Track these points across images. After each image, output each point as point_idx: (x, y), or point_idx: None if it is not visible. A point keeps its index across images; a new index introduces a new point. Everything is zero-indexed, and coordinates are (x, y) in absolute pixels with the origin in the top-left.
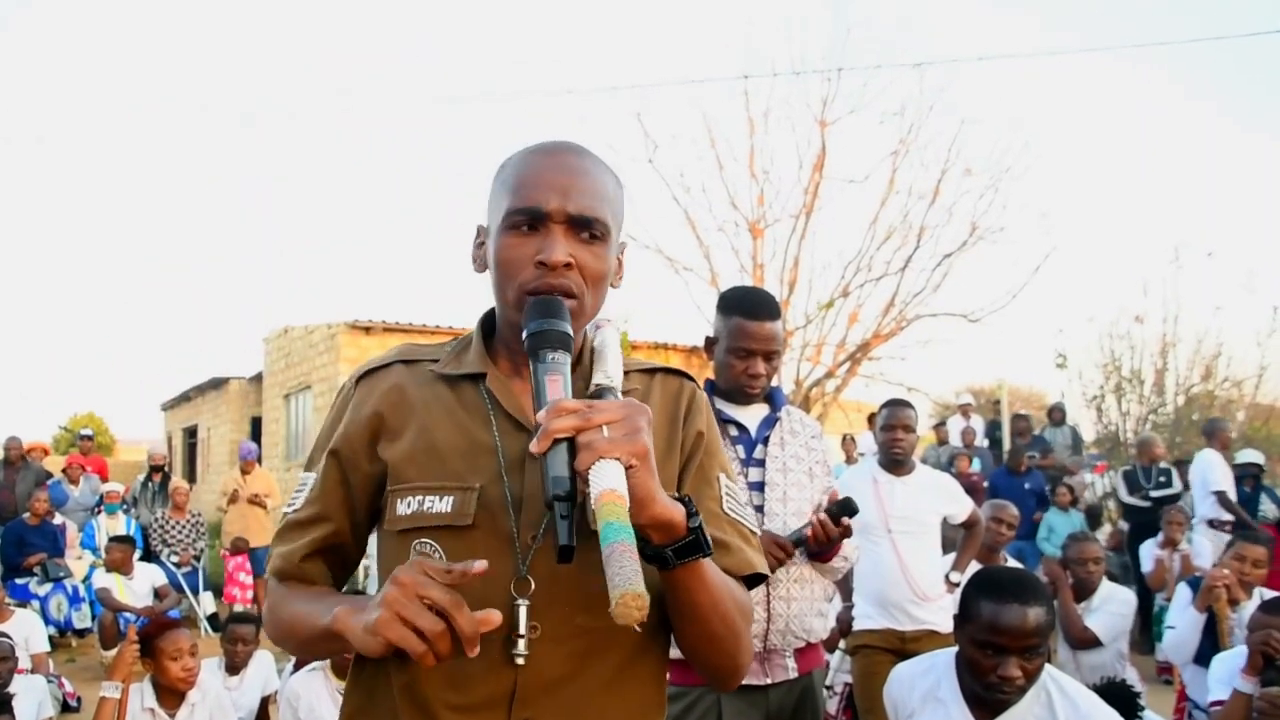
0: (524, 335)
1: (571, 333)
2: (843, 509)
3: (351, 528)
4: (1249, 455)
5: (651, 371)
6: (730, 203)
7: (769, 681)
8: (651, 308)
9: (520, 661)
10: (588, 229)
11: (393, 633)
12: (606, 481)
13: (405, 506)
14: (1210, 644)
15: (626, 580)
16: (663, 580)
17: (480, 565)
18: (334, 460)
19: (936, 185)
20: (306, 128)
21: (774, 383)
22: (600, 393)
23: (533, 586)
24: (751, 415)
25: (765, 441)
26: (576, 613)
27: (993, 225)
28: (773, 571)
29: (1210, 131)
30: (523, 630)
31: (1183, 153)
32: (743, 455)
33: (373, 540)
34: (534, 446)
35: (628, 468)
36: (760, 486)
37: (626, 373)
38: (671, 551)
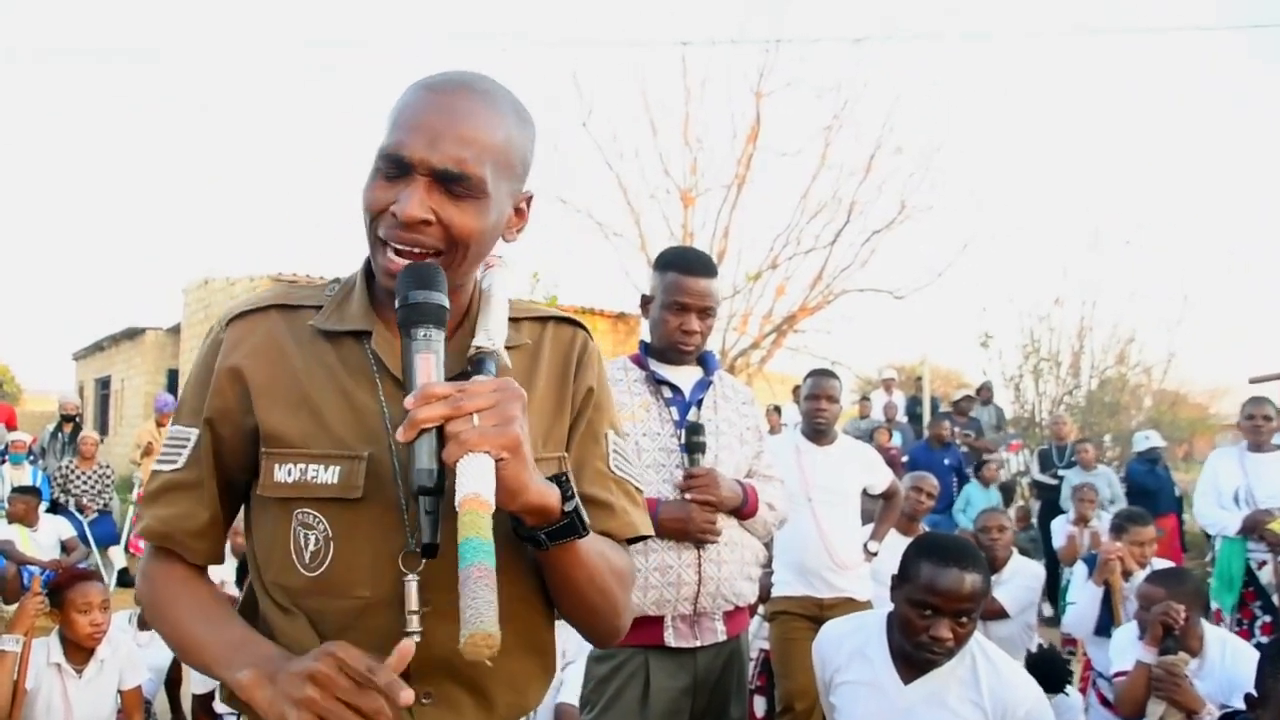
0: (396, 304)
1: (447, 304)
2: (691, 431)
3: (227, 487)
4: (1150, 439)
5: (544, 320)
6: (663, 170)
7: (698, 644)
8: (579, 272)
9: (415, 639)
10: (457, 183)
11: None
12: (471, 483)
13: (285, 473)
14: (1108, 616)
15: (478, 618)
16: (538, 557)
17: (407, 697)
18: (209, 421)
19: (869, 161)
20: (233, 73)
21: (706, 347)
22: (480, 360)
23: (422, 562)
24: (685, 377)
25: (699, 404)
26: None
27: (921, 204)
28: (707, 534)
29: (1135, 117)
30: (415, 606)
31: (1108, 137)
32: (675, 417)
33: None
34: (400, 435)
35: (498, 460)
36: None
37: (518, 320)
38: (545, 535)
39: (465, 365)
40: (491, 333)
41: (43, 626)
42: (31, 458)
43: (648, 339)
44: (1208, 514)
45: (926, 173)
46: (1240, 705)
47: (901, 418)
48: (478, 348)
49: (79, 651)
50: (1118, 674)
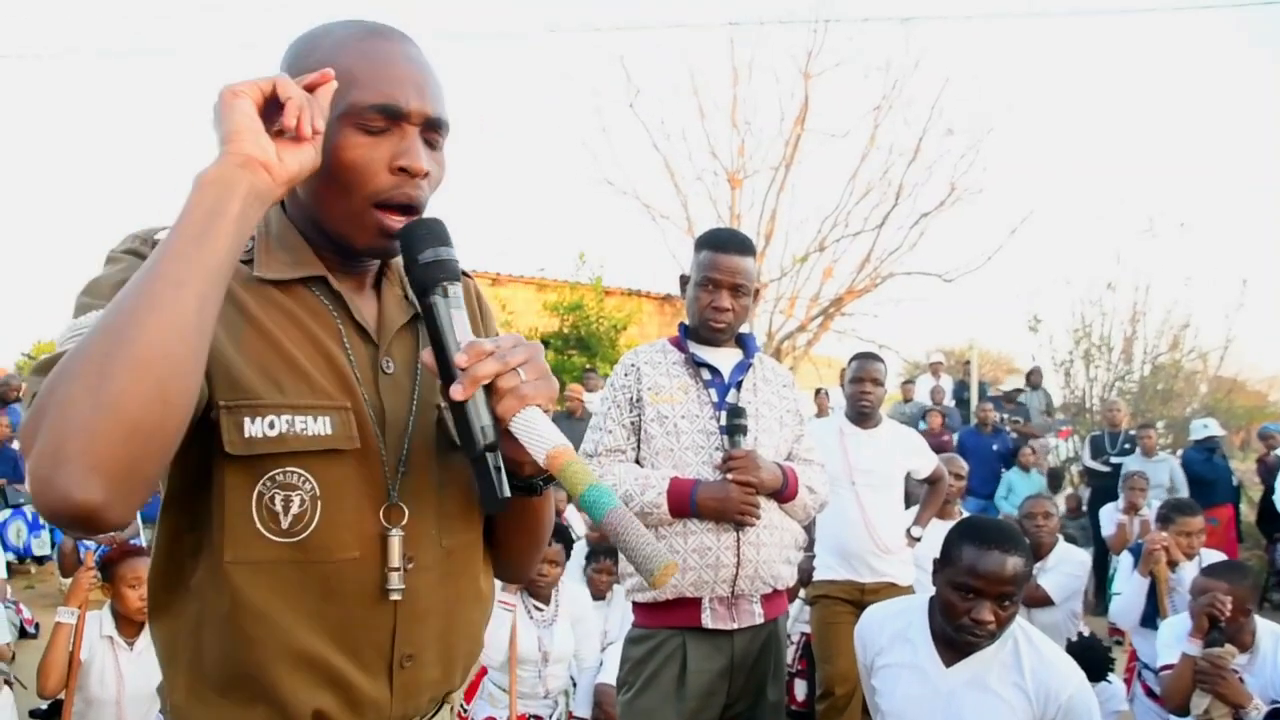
0: (412, 262)
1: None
2: (732, 413)
3: None
4: (1208, 428)
5: None
6: (710, 152)
7: (736, 626)
8: (626, 254)
9: (397, 598)
10: (438, 133)
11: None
12: (551, 435)
13: (262, 427)
14: (1154, 607)
15: (657, 552)
16: (514, 503)
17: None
18: None
19: (918, 143)
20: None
21: (745, 329)
22: (429, 316)
23: (406, 515)
24: (724, 359)
25: (738, 386)
26: (442, 535)
27: (971, 186)
28: (746, 515)
29: (1192, 97)
30: (397, 563)
31: (1164, 122)
32: (714, 399)
33: None
34: (458, 392)
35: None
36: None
37: None
38: (542, 481)
39: (407, 314)
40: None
41: (96, 600)
42: None
43: (687, 321)
44: None
45: (977, 155)
46: None
47: (949, 402)
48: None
49: (130, 624)
50: (1164, 667)
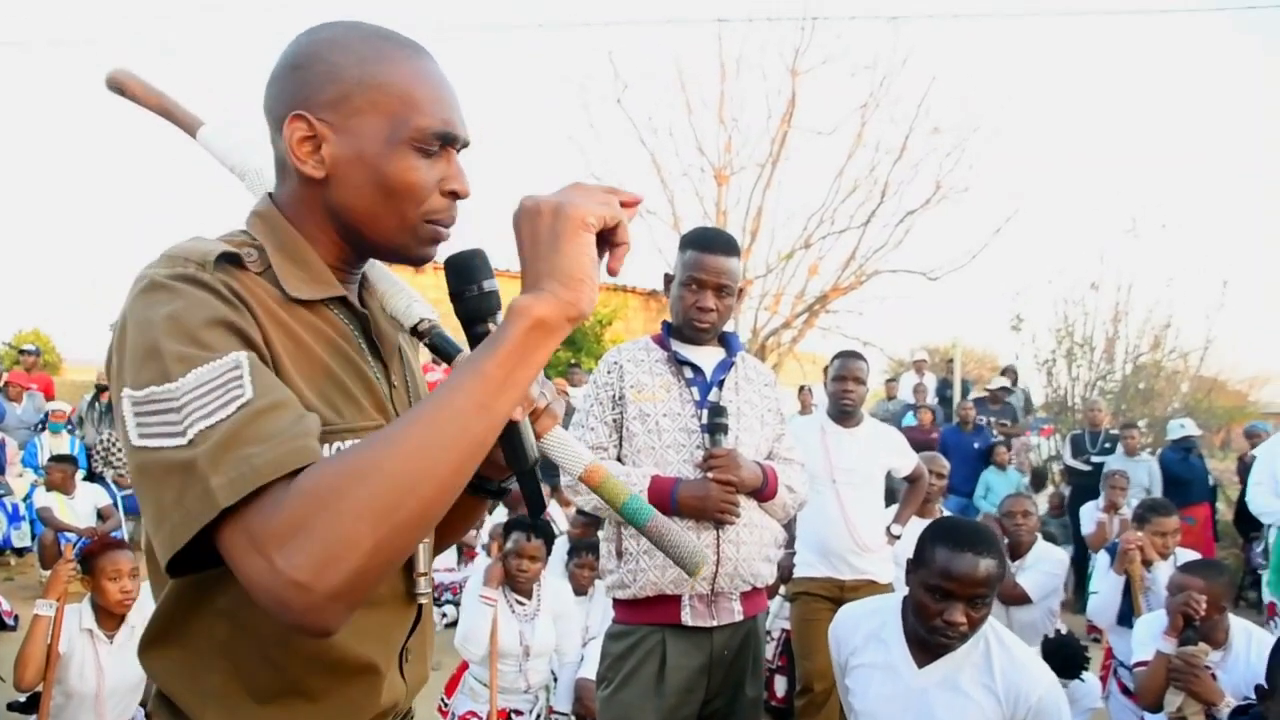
0: (464, 291)
1: None
2: (714, 412)
3: None
4: (1184, 428)
5: None
6: (697, 148)
7: (715, 623)
8: None
9: (424, 600)
10: (461, 153)
11: (593, 210)
12: (582, 453)
13: (330, 454)
14: (1129, 605)
15: (697, 550)
16: (465, 500)
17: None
18: (257, 355)
19: (904, 141)
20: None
21: (729, 328)
22: (433, 329)
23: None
24: (707, 357)
25: (720, 385)
26: (433, 545)
27: (957, 184)
28: (726, 514)
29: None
30: (424, 568)
31: (1148, 122)
32: (696, 397)
33: None
34: (517, 414)
35: None
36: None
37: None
38: (503, 483)
39: (397, 330)
40: (426, 307)
41: (76, 593)
42: (70, 427)
43: (670, 319)
44: (1262, 502)
45: (963, 154)
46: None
47: (932, 399)
48: (429, 321)
49: (110, 618)
50: (1138, 664)
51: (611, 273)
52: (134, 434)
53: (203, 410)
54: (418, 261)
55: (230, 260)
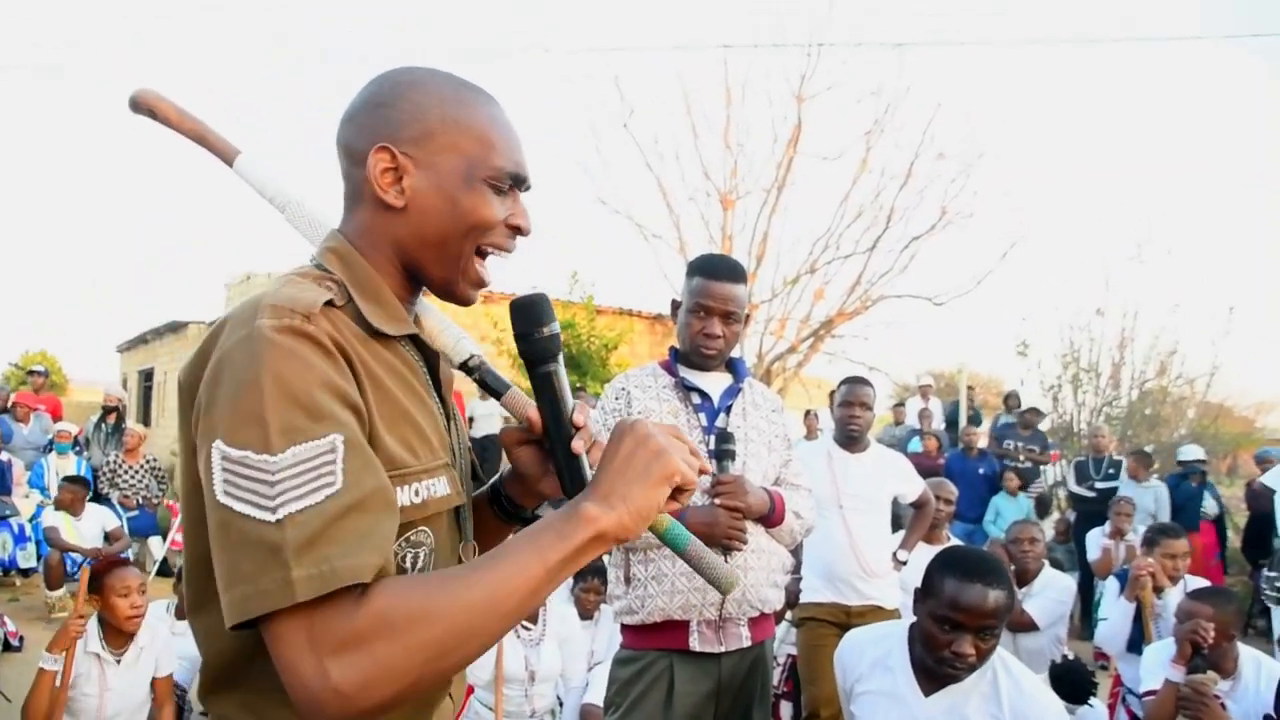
0: (530, 332)
1: None
2: (721, 439)
3: None
4: (1192, 452)
5: None
6: (703, 173)
7: (723, 649)
8: (618, 273)
9: None
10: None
11: (683, 471)
12: None
13: (409, 495)
14: (1139, 632)
15: (732, 573)
16: (498, 526)
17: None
18: (358, 415)
19: (909, 167)
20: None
21: (736, 354)
22: (482, 365)
23: (475, 551)
24: (714, 383)
25: (728, 411)
26: None
27: (962, 210)
28: (734, 540)
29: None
30: None
31: (1154, 149)
32: (704, 423)
33: None
34: (579, 446)
35: None
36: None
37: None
38: (535, 511)
39: (452, 364)
40: (473, 343)
41: (80, 631)
42: (76, 448)
43: (678, 345)
44: None
45: (968, 179)
46: None
47: (939, 425)
48: (478, 358)
49: (118, 636)
50: (1147, 693)
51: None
52: (220, 490)
53: (296, 492)
54: (462, 301)
55: (323, 308)
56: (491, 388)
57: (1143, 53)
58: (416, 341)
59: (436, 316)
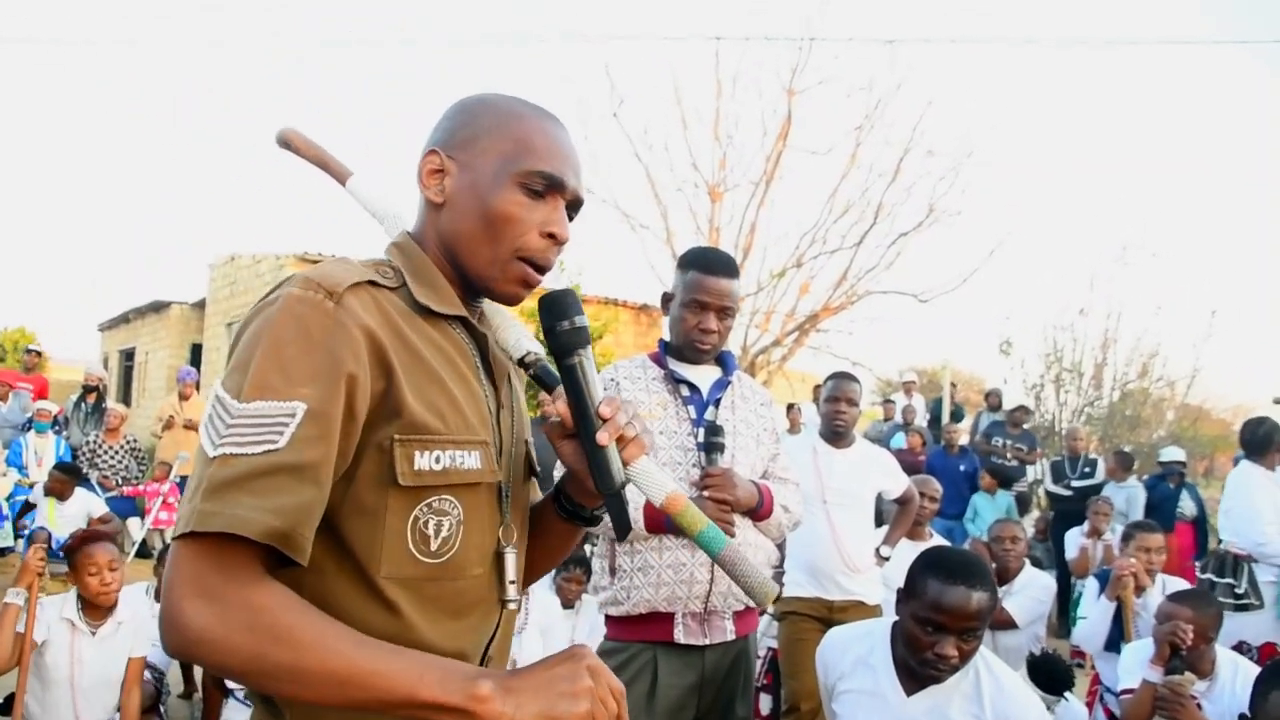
0: (557, 325)
1: None
2: (710, 431)
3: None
4: (1172, 453)
5: None
6: (691, 164)
7: (707, 642)
8: (604, 263)
9: (513, 607)
10: (576, 211)
11: None
12: (665, 482)
13: (429, 460)
14: (1119, 632)
15: (766, 580)
16: (560, 526)
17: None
18: (350, 386)
19: (898, 164)
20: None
21: (724, 346)
22: (539, 361)
23: (516, 534)
24: (703, 376)
25: (716, 404)
26: (525, 552)
27: (950, 208)
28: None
29: (1169, 130)
30: (514, 576)
31: (1141, 151)
32: (693, 415)
33: None
34: (603, 439)
35: None
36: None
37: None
38: (596, 512)
39: (507, 359)
40: (532, 341)
41: (56, 591)
42: (56, 427)
43: (667, 337)
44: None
45: (956, 177)
46: None
47: (922, 421)
48: (534, 355)
49: (97, 610)
50: (1124, 691)
51: None
52: (202, 420)
53: (239, 439)
54: (506, 299)
55: (354, 287)
56: (545, 383)
57: (1132, 55)
58: (469, 327)
59: (502, 315)
